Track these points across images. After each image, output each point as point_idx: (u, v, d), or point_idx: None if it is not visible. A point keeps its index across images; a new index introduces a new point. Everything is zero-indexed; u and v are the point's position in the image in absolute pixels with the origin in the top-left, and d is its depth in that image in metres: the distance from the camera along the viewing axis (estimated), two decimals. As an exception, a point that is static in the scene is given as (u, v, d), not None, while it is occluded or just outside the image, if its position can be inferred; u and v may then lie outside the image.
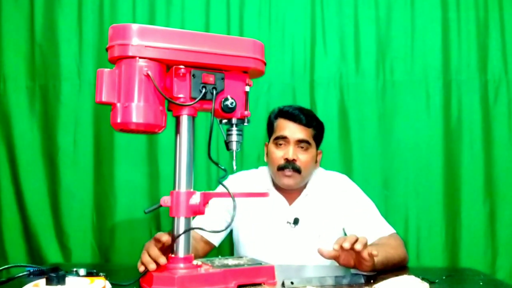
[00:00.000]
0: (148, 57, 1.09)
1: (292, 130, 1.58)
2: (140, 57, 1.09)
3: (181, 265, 1.12)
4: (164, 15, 2.01)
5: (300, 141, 1.58)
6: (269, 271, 1.16)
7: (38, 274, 1.04)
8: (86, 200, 1.97)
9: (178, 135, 1.16)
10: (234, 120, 1.18)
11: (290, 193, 1.63)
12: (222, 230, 1.50)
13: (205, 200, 1.14)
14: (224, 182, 1.67)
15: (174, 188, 1.15)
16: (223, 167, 1.19)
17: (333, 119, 1.99)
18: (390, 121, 1.99)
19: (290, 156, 1.55)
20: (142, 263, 1.16)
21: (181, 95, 1.12)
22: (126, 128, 1.11)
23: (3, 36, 1.99)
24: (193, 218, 1.19)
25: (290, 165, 1.56)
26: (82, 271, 1.07)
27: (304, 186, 1.65)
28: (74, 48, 1.99)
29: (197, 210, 1.13)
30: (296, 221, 1.59)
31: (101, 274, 1.07)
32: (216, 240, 1.60)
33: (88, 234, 1.97)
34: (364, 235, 1.30)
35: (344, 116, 1.99)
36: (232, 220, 1.15)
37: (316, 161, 1.65)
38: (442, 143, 1.98)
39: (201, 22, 2.01)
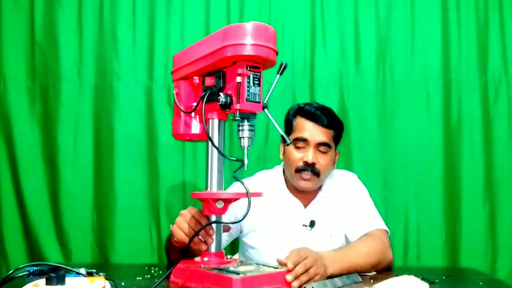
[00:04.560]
0: (176, 78, 1.33)
1: (312, 132, 1.51)
2: (174, 80, 1.35)
3: (213, 259, 1.21)
4: (164, 15, 2.01)
5: (320, 144, 1.51)
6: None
7: (38, 274, 1.04)
8: (86, 200, 1.97)
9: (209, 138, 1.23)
10: (237, 115, 1.15)
11: (305, 195, 1.59)
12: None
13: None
14: (237, 184, 1.63)
15: (206, 188, 1.24)
16: (234, 158, 1.20)
17: (333, 119, 1.99)
18: (390, 121, 1.99)
19: (310, 160, 1.49)
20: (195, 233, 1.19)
21: (194, 103, 1.26)
22: (177, 139, 1.37)
23: (3, 36, 1.99)
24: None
25: (309, 168, 1.50)
26: (82, 271, 1.07)
27: (319, 188, 1.60)
28: (74, 48, 1.99)
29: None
30: (312, 224, 1.55)
31: (101, 274, 1.07)
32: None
33: (88, 234, 1.97)
34: (350, 231, 1.52)
35: (344, 116, 1.98)
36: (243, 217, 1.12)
37: (334, 163, 1.60)
38: (442, 143, 1.98)
39: (201, 22, 2.01)
